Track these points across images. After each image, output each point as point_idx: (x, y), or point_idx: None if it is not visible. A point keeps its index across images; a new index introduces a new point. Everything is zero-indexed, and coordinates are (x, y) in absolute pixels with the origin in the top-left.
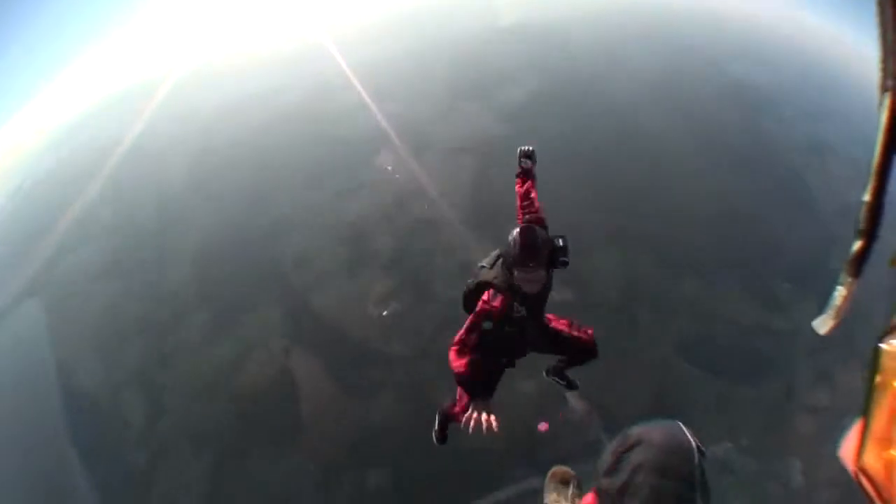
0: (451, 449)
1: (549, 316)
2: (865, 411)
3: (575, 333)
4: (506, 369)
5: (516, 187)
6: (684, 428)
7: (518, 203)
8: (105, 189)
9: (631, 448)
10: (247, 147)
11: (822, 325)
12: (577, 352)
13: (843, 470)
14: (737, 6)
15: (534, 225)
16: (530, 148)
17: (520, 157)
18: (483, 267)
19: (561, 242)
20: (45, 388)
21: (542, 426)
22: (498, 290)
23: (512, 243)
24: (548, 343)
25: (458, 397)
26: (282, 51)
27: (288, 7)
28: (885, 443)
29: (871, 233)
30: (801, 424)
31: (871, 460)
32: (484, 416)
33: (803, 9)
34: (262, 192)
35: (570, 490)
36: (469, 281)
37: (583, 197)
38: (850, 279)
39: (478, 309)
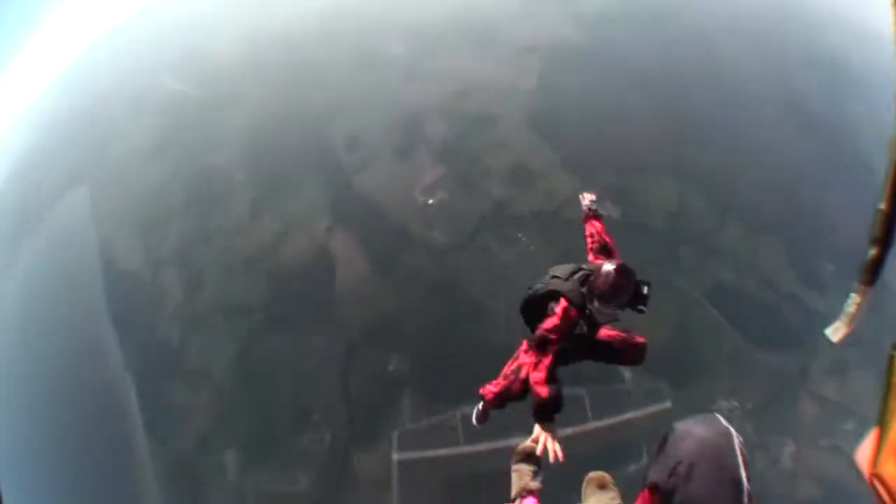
0: (477, 345)
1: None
2: (881, 418)
3: (629, 343)
4: None
5: (588, 229)
6: (720, 417)
7: (590, 241)
8: (156, 67)
9: (677, 444)
10: (305, 23)
11: (836, 332)
12: (625, 360)
13: (830, 467)
14: None
15: (631, 267)
16: (594, 199)
17: (588, 206)
18: (556, 277)
19: (646, 290)
20: (88, 270)
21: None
22: (572, 303)
23: (605, 277)
24: (595, 354)
25: (500, 381)
26: None
27: None
28: None
29: (886, 241)
30: (805, 408)
31: (887, 467)
32: (553, 445)
33: None
34: (318, 72)
35: (609, 493)
36: (536, 286)
37: (653, 117)
38: (864, 287)
39: (559, 320)
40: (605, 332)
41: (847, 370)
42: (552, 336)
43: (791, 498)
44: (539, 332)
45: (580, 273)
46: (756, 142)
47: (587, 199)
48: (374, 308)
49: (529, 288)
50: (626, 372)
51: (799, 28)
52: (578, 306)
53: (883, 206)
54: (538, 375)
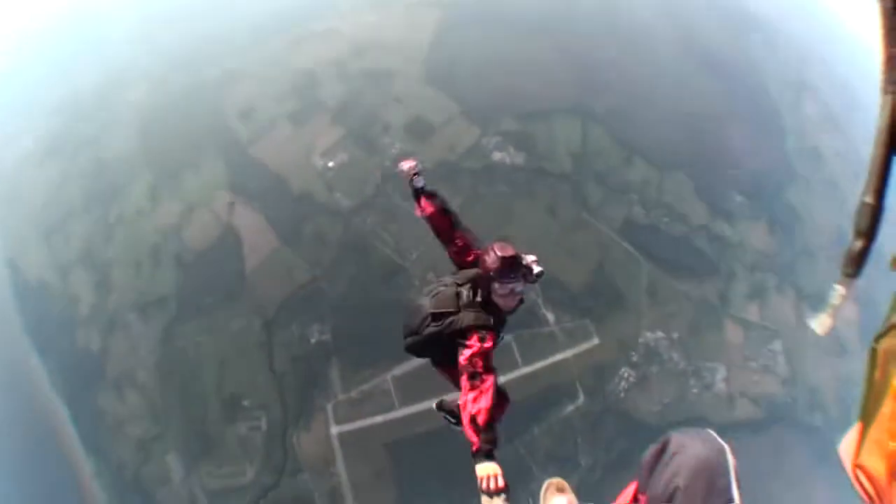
0: (396, 305)
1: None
2: (864, 411)
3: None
4: None
5: (423, 211)
6: (714, 434)
7: (451, 251)
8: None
9: (673, 455)
10: None
11: (820, 324)
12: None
13: (763, 387)
14: None
15: (503, 239)
16: (417, 166)
17: (411, 177)
18: (452, 313)
19: (531, 260)
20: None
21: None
22: (486, 328)
23: (492, 258)
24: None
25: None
26: None
27: None
28: (884, 442)
29: (870, 234)
30: (730, 333)
31: (870, 459)
32: (497, 475)
33: None
34: (207, 44)
35: (567, 496)
36: (435, 324)
37: (553, 63)
38: (847, 279)
39: (476, 352)
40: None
41: (766, 294)
42: (478, 365)
43: (730, 418)
44: (464, 364)
45: (465, 288)
46: (658, 82)
47: (407, 168)
48: (287, 280)
49: (410, 325)
50: (550, 314)
51: None
52: (487, 325)
53: (868, 198)
54: (486, 408)
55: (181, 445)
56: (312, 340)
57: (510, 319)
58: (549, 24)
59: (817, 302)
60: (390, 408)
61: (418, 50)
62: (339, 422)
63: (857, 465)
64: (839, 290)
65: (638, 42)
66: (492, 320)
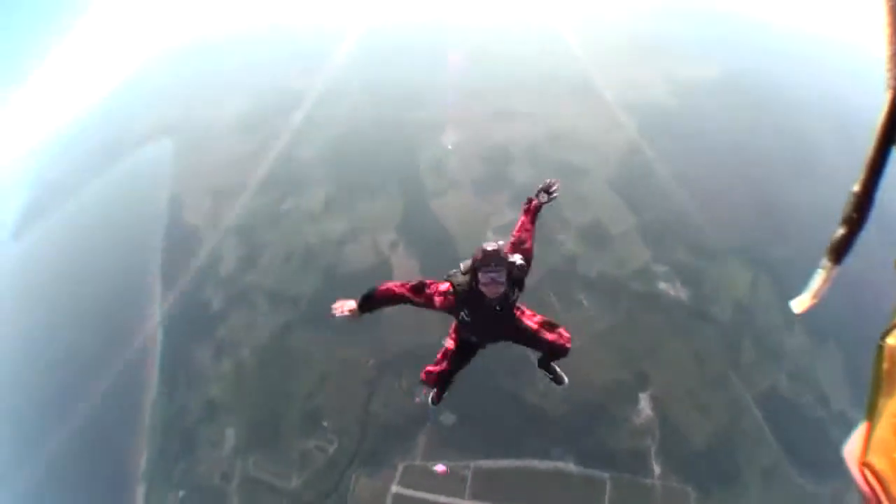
0: (513, 404)
1: (526, 312)
2: (870, 409)
3: (545, 335)
4: (477, 349)
5: (522, 214)
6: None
7: (517, 231)
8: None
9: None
10: (417, 44)
11: (799, 304)
12: (547, 350)
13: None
14: None
15: (492, 248)
16: (555, 185)
17: (539, 191)
18: (455, 272)
19: (520, 260)
20: (153, 216)
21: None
22: (454, 292)
23: (476, 253)
24: (520, 338)
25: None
26: None
27: None
28: (891, 441)
29: (856, 222)
30: None
31: (876, 458)
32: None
33: None
34: (423, 90)
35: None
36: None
37: (737, 199)
38: (829, 264)
39: (435, 291)
40: (527, 320)
41: None
42: (435, 304)
43: None
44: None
45: (466, 276)
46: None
47: (546, 185)
48: (418, 334)
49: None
50: (658, 466)
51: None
52: (458, 294)
53: (856, 188)
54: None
55: (245, 426)
56: (416, 400)
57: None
58: (739, 152)
59: None
60: (459, 494)
61: (613, 152)
62: (403, 484)
63: (864, 465)
64: (821, 273)
65: (827, 193)
66: (462, 295)
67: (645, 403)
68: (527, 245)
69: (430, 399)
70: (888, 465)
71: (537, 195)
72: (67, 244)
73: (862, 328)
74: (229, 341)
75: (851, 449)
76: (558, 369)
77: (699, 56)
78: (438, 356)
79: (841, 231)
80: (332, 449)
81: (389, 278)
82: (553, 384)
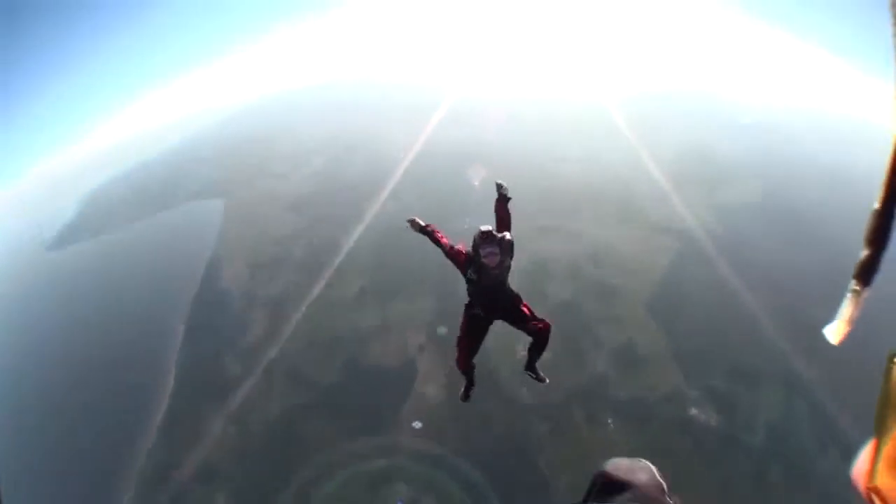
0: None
1: (525, 305)
2: (878, 428)
3: (533, 318)
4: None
5: (497, 209)
6: (651, 466)
7: (499, 215)
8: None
9: (622, 488)
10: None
11: (834, 333)
12: (533, 330)
13: None
14: None
15: (488, 230)
16: (504, 185)
17: (500, 189)
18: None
19: (508, 236)
20: (189, 272)
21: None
22: (467, 254)
23: (476, 234)
24: (515, 316)
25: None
26: None
27: None
28: None
29: (880, 241)
30: None
31: (884, 480)
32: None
33: None
34: (460, 199)
35: None
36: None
37: (774, 322)
38: (858, 287)
39: (461, 247)
40: (523, 306)
41: None
42: (453, 254)
43: None
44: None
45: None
46: (878, 364)
47: (501, 186)
48: (432, 442)
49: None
50: None
51: None
52: (469, 254)
53: (877, 205)
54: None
55: (236, 497)
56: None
57: None
58: (775, 274)
59: None
60: None
61: (651, 273)
62: None
63: (871, 488)
64: (851, 298)
65: (863, 314)
66: (474, 265)
67: None
68: (507, 223)
69: (461, 397)
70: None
71: (506, 195)
72: (99, 270)
73: None
74: (238, 411)
75: (859, 468)
76: (541, 372)
77: (741, 178)
78: (457, 345)
79: (866, 252)
80: None
81: (410, 380)
82: (537, 383)
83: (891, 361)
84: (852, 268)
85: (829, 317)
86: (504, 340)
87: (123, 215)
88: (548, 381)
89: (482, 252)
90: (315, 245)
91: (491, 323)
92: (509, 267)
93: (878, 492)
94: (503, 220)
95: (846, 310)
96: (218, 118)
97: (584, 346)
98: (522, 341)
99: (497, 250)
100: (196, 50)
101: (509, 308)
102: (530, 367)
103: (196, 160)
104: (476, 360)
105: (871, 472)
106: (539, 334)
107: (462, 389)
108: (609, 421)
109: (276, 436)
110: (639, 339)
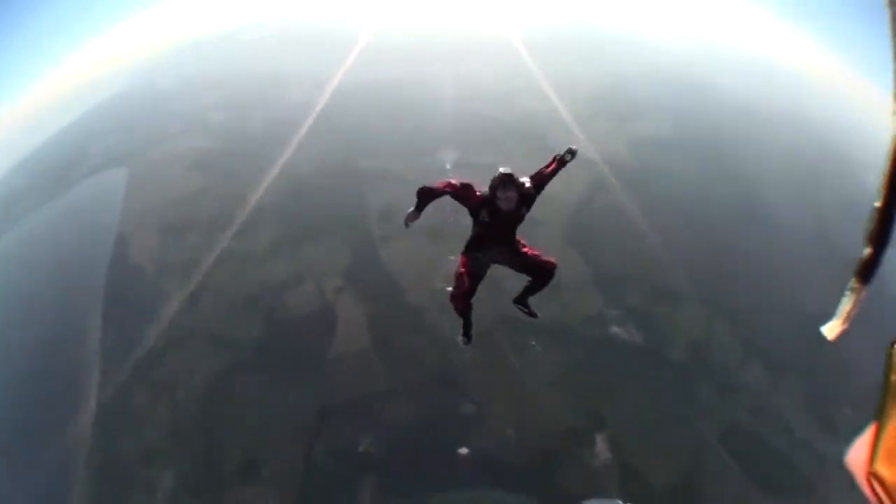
0: (455, 444)
1: (526, 246)
2: (879, 415)
3: (538, 257)
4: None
5: (550, 164)
6: None
7: (544, 169)
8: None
9: None
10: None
11: (831, 330)
12: (538, 273)
13: None
14: None
15: (508, 173)
16: (576, 149)
17: (566, 152)
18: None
19: (528, 183)
20: (98, 251)
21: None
22: (483, 196)
23: (495, 176)
24: (516, 259)
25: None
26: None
27: None
28: None
29: (881, 239)
30: None
31: (884, 466)
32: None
33: None
34: (373, 136)
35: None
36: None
37: (689, 246)
38: (858, 285)
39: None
40: (528, 250)
41: None
42: (458, 192)
43: None
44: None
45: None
46: (789, 283)
47: (570, 149)
48: (361, 381)
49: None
50: None
51: (838, 172)
52: (485, 196)
53: (878, 203)
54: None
55: (182, 473)
56: (360, 449)
57: None
58: (691, 203)
59: None
60: None
61: (566, 204)
62: None
63: (872, 473)
64: (850, 296)
65: (774, 238)
66: (487, 201)
67: (602, 446)
68: (544, 181)
69: (460, 341)
70: None
71: (563, 154)
72: (9, 270)
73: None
74: (166, 381)
75: (856, 457)
76: (531, 306)
77: (655, 114)
78: (455, 279)
79: (867, 250)
80: (270, 500)
81: (333, 327)
82: (528, 317)
83: (890, 353)
84: (764, 200)
85: (731, 238)
86: (423, 275)
87: (24, 206)
88: (539, 316)
89: (500, 195)
90: (223, 202)
91: (489, 266)
92: (524, 217)
93: (878, 477)
94: (545, 177)
95: (844, 307)
96: (111, 90)
97: (505, 274)
98: (442, 275)
99: (515, 195)
100: (78, 30)
101: (513, 253)
102: (522, 301)
103: (92, 134)
104: (394, 295)
105: (871, 457)
106: (547, 274)
107: (461, 333)
108: (533, 343)
109: (210, 402)
110: (559, 266)
